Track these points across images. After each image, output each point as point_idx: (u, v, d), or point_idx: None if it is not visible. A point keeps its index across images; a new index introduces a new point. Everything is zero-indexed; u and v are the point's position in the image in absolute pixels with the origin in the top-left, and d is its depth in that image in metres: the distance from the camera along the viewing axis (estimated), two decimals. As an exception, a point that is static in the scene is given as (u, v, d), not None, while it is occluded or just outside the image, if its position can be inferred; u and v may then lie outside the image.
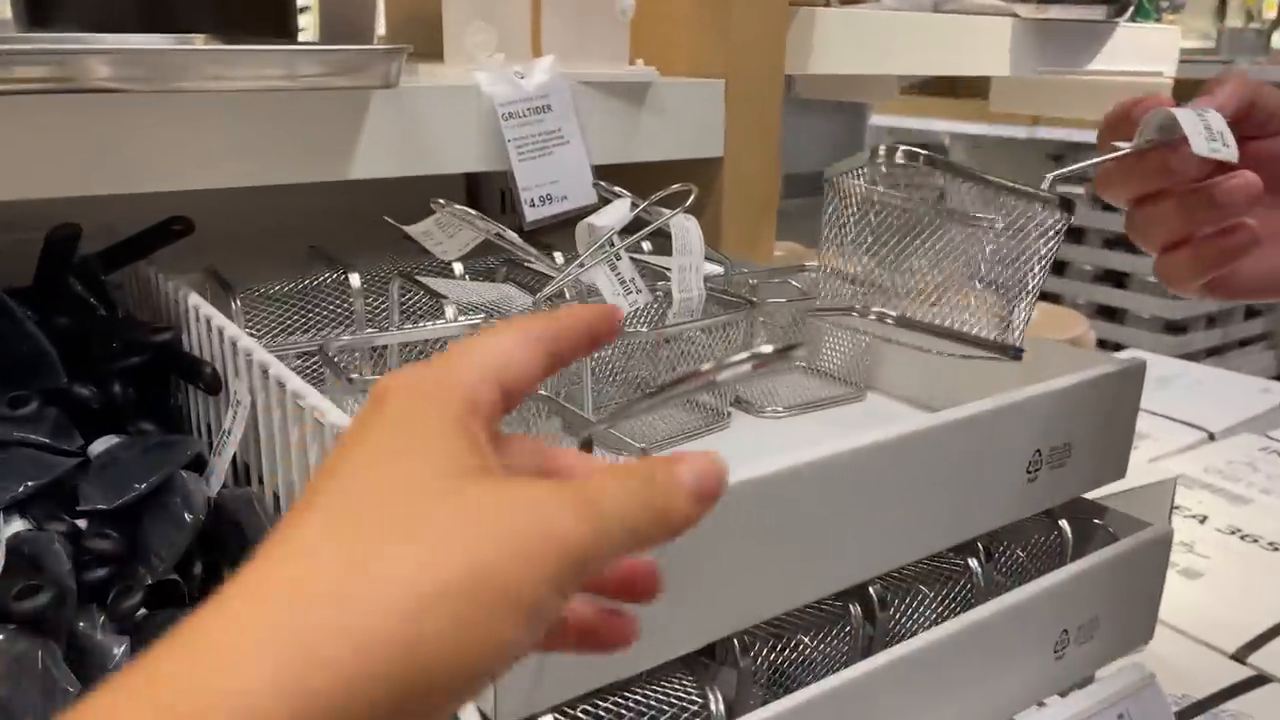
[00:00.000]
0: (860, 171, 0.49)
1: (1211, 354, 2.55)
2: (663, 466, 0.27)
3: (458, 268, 0.75)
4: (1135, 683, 0.56)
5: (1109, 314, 2.56)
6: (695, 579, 0.43)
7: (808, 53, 0.96)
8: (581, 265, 0.62)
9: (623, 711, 0.45)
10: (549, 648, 0.31)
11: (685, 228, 0.65)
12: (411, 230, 0.57)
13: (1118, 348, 2.17)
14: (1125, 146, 0.50)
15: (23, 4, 0.79)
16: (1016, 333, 0.50)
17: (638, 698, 0.46)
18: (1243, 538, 1.03)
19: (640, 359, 0.73)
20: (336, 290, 0.73)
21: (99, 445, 0.62)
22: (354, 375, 0.52)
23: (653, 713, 0.46)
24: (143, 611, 0.54)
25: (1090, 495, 0.65)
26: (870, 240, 0.49)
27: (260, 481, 0.59)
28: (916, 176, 0.48)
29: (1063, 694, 0.60)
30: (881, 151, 0.48)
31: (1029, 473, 0.54)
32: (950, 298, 0.49)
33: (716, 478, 0.27)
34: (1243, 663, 0.81)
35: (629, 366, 0.73)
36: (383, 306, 0.73)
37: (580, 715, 0.44)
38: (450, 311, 0.63)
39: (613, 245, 0.62)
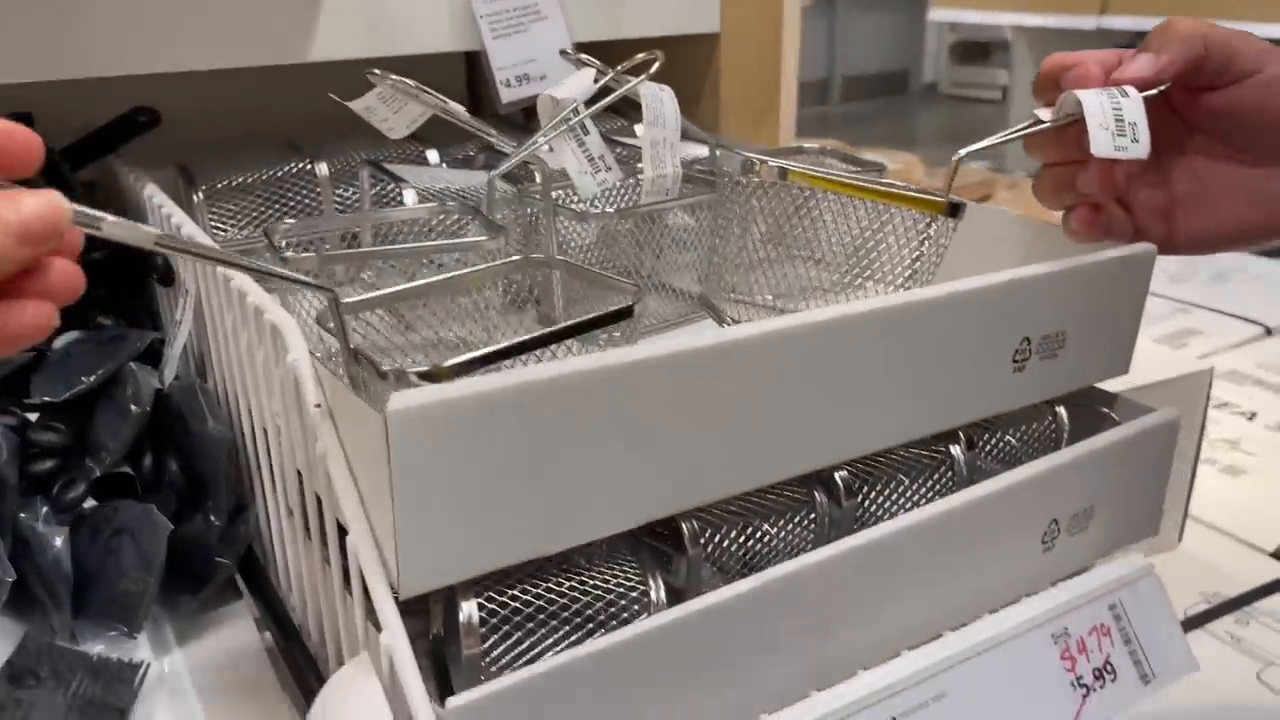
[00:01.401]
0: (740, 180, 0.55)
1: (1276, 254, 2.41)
2: None
3: (433, 155, 0.72)
4: (1130, 574, 0.52)
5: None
6: (631, 452, 0.39)
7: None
8: (545, 139, 0.58)
9: (555, 597, 0.43)
10: None
11: (658, 97, 0.60)
12: (354, 106, 0.54)
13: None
14: (1045, 118, 0.51)
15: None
16: None
17: (574, 583, 0.43)
18: (1291, 435, 0.97)
19: (623, 244, 0.69)
20: (307, 180, 0.70)
21: (60, 341, 0.61)
22: (288, 254, 0.49)
23: (589, 598, 0.43)
24: (91, 503, 0.54)
25: (1122, 389, 0.60)
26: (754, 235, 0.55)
27: (212, 372, 0.58)
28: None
29: (1054, 583, 0.56)
30: (756, 165, 0.54)
31: (1016, 362, 0.50)
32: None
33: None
34: (1282, 561, 0.77)
35: (612, 255, 0.70)
36: (357, 196, 0.71)
37: (509, 601, 0.42)
38: (409, 196, 0.60)
39: (577, 115, 0.58)
